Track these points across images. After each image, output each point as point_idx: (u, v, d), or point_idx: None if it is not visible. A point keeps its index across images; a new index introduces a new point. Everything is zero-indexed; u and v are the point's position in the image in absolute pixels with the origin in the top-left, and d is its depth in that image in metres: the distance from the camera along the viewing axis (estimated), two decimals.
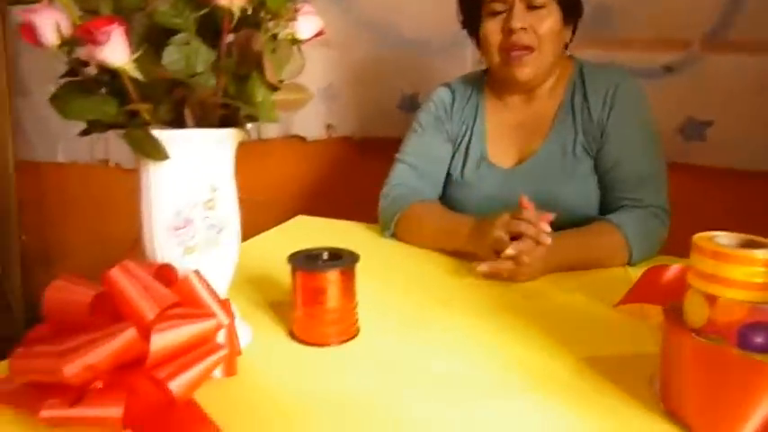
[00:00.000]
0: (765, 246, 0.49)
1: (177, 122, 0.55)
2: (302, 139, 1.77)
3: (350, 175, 1.76)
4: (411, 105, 1.66)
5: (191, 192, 0.56)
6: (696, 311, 0.50)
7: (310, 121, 1.76)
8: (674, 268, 0.75)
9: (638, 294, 0.76)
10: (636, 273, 0.83)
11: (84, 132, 0.56)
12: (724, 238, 0.51)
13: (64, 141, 2.08)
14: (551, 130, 1.05)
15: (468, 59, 1.58)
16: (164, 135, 0.53)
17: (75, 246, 2.17)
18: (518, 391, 0.57)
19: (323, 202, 1.77)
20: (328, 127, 1.77)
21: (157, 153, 0.53)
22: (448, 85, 1.17)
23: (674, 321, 0.53)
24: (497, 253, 0.84)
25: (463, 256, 0.93)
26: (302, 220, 1.21)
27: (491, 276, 0.85)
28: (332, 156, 1.80)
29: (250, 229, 1.05)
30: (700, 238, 0.51)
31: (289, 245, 0.68)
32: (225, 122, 0.57)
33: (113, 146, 2.02)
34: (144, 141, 0.52)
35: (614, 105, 1.00)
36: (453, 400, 0.55)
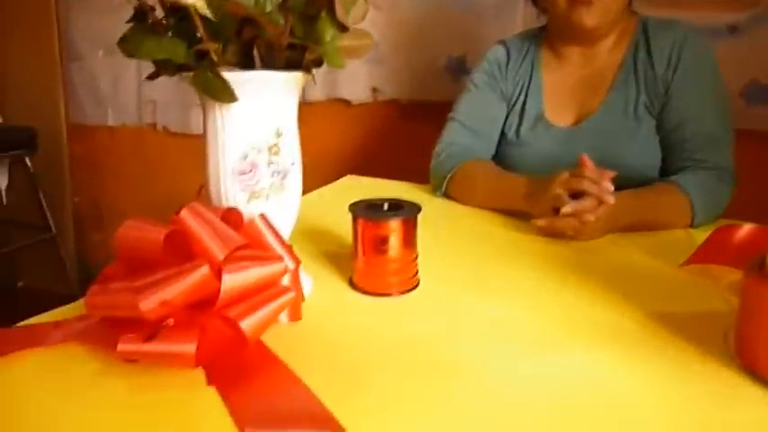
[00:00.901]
0: None
1: (244, 65, 0.55)
2: (347, 102, 1.76)
3: (396, 139, 1.75)
4: (458, 68, 1.63)
5: (256, 136, 0.56)
6: None
7: (355, 84, 1.75)
8: (745, 228, 0.72)
9: (706, 254, 0.73)
10: (699, 235, 0.80)
11: (152, 76, 0.56)
12: None
13: (113, 105, 2.12)
14: (612, 89, 1.01)
15: (517, 20, 1.54)
16: (231, 77, 0.53)
17: (125, 207, 2.22)
18: (585, 344, 0.56)
19: (369, 166, 1.76)
20: (374, 90, 1.75)
21: (225, 95, 0.53)
22: (503, 42, 1.14)
23: (756, 273, 0.50)
24: (556, 211, 0.82)
25: (519, 214, 0.92)
26: (352, 180, 1.20)
27: (549, 233, 0.83)
28: (377, 119, 1.78)
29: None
30: None
31: (341, 201, 0.67)
32: (291, 66, 0.56)
33: (161, 110, 2.06)
34: (212, 83, 0.52)
35: (680, 62, 0.96)
36: (517, 349, 0.54)
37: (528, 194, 0.90)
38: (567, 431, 0.43)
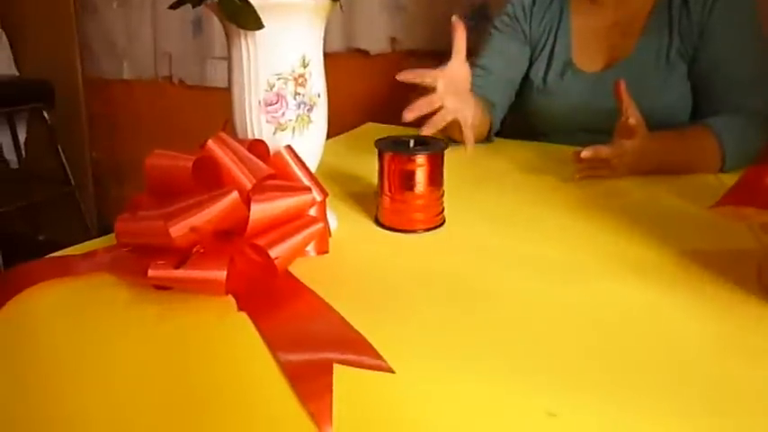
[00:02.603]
0: None
1: None
2: (365, 53, 1.73)
3: (416, 90, 1.72)
4: (480, 17, 1.58)
5: (282, 65, 0.55)
6: None
7: (373, 34, 1.71)
8: None
9: (737, 195, 0.71)
10: (729, 179, 0.78)
11: (176, 4, 0.55)
12: None
13: (129, 58, 2.11)
14: (644, 33, 0.98)
15: None
16: (257, 3, 0.51)
17: (143, 161, 2.23)
18: (615, 275, 0.55)
19: (388, 116, 1.74)
20: (392, 40, 1.72)
21: (251, 21, 0.51)
22: None
23: None
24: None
25: (543, 156, 0.90)
26: (372, 127, 1.19)
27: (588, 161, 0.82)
28: (396, 70, 1.75)
29: None
30: None
31: (362, 146, 0.67)
32: None
33: (177, 62, 2.04)
34: (239, 10, 0.51)
35: (716, 5, 0.92)
36: (547, 280, 0.54)
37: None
38: (599, 356, 0.43)
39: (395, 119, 1.31)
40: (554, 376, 0.40)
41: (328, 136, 1.08)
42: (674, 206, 0.75)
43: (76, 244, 0.61)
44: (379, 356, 0.40)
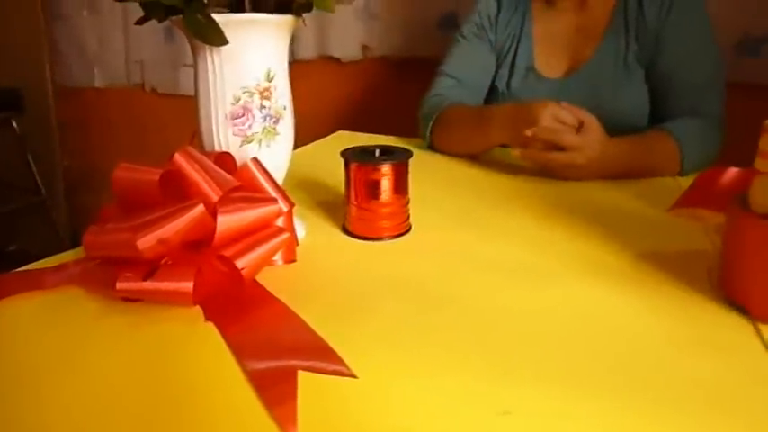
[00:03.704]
0: None
1: (235, 8, 0.54)
2: (338, 60, 1.75)
3: (387, 96, 1.74)
4: (450, 24, 1.61)
5: (248, 79, 0.56)
6: (764, 197, 0.49)
7: (346, 42, 1.73)
8: (730, 171, 0.73)
9: (692, 198, 0.74)
10: (687, 182, 0.82)
11: (142, 20, 0.56)
12: None
13: (100, 65, 2.09)
14: (603, 38, 1.01)
15: None
16: (221, 19, 0.53)
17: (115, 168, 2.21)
18: (576, 277, 0.57)
19: (360, 123, 1.76)
20: (364, 47, 1.74)
21: (216, 37, 0.53)
22: None
23: (739, 209, 0.52)
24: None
25: (508, 161, 0.92)
26: (342, 135, 1.20)
27: (535, 164, 0.84)
28: (369, 77, 1.77)
29: None
30: None
31: (332, 154, 0.68)
32: (280, 11, 0.56)
33: (148, 70, 2.03)
34: (202, 25, 0.52)
35: (671, 11, 0.96)
36: (509, 283, 0.56)
37: (506, 124, 0.89)
38: (559, 357, 0.45)
39: (366, 126, 1.33)
40: (512, 375, 0.42)
41: (299, 144, 1.10)
42: (634, 209, 0.78)
43: (48, 254, 0.61)
44: (341, 362, 0.42)
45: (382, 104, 1.76)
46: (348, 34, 1.72)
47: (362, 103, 1.80)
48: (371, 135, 1.18)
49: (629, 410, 0.39)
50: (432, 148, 1.06)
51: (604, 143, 0.84)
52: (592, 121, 0.83)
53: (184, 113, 2.13)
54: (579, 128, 0.83)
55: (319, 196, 0.78)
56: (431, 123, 1.03)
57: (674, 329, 0.49)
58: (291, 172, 0.68)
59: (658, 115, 0.98)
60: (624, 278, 0.58)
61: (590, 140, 0.82)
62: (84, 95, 2.17)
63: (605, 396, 0.40)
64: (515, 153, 0.85)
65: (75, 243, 0.61)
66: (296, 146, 1.07)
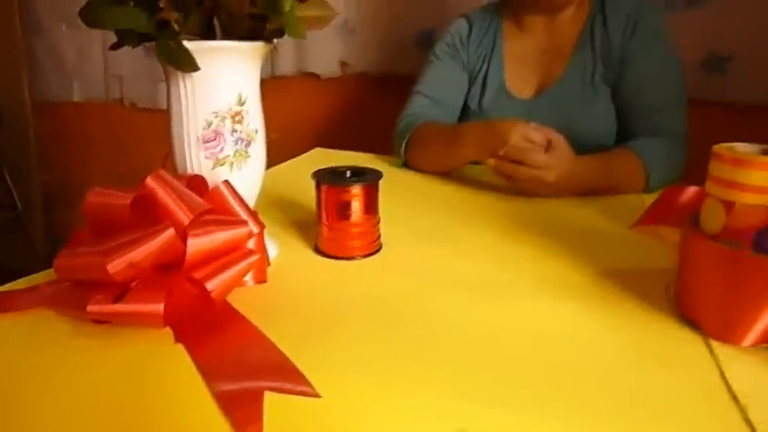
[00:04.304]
0: None
1: (206, 34, 0.56)
2: (317, 76, 1.77)
3: (366, 113, 1.77)
4: (428, 41, 1.64)
5: (219, 104, 0.57)
6: (713, 218, 0.52)
7: (324, 58, 1.75)
8: (689, 190, 0.76)
9: (653, 216, 0.77)
10: (650, 199, 0.84)
11: (115, 46, 0.57)
12: (743, 146, 0.52)
13: (79, 80, 2.09)
14: (571, 60, 1.04)
15: None
16: (193, 46, 0.54)
17: (94, 184, 2.19)
18: (542, 295, 0.59)
19: (339, 139, 1.78)
20: (343, 64, 1.76)
21: (187, 64, 0.54)
22: (465, 16, 1.16)
23: (691, 229, 0.54)
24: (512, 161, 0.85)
25: (479, 178, 0.95)
26: (320, 152, 1.22)
27: (505, 177, 0.86)
28: (347, 93, 1.79)
29: (267, 164, 1.06)
30: (719, 147, 0.52)
31: (308, 173, 0.69)
32: (252, 36, 0.58)
33: (127, 85, 2.03)
34: (174, 52, 0.53)
35: (634, 32, 0.99)
36: (475, 301, 0.58)
37: (476, 142, 0.91)
38: (519, 374, 0.46)
39: (345, 141, 1.35)
40: (473, 392, 0.43)
41: (277, 160, 1.11)
42: (599, 226, 0.80)
43: (25, 268, 0.62)
44: (306, 382, 0.43)
45: (361, 120, 1.78)
46: (327, 51, 1.74)
47: (341, 119, 1.82)
48: (348, 152, 1.20)
49: (584, 425, 0.40)
50: (406, 165, 1.08)
51: (572, 161, 0.86)
52: (560, 141, 0.85)
53: (163, 128, 2.12)
54: (548, 147, 0.85)
55: (293, 215, 0.80)
56: (405, 141, 1.05)
57: (632, 346, 0.51)
58: (267, 190, 0.69)
59: (624, 133, 1.01)
60: (586, 295, 0.60)
61: (558, 159, 0.84)
62: (63, 109, 2.17)
63: (563, 411, 0.42)
64: (490, 162, 0.87)
65: (52, 258, 0.61)
66: (273, 162, 1.09)
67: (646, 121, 0.98)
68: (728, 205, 0.50)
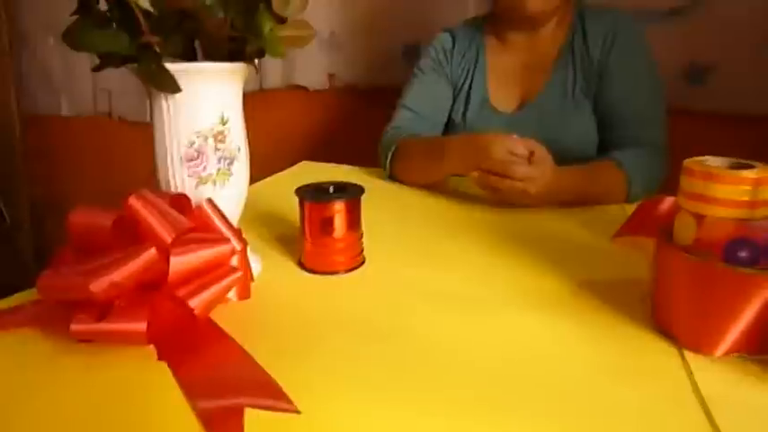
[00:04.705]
0: (752, 166, 0.51)
1: (187, 56, 0.57)
2: (304, 88, 1.78)
3: (353, 125, 1.78)
4: (414, 53, 1.66)
5: (202, 123, 0.58)
6: (685, 231, 0.53)
7: (312, 71, 1.77)
8: (667, 201, 0.77)
9: (633, 227, 0.78)
10: (632, 209, 0.86)
11: (98, 68, 0.58)
12: (713, 160, 0.54)
13: (67, 94, 2.09)
14: (552, 73, 1.06)
15: (469, 6, 1.57)
16: (175, 68, 0.55)
17: (83, 197, 2.20)
18: (521, 308, 0.60)
19: (326, 151, 1.79)
20: (330, 76, 1.77)
21: (169, 85, 0.55)
22: (449, 29, 1.18)
23: (664, 242, 0.56)
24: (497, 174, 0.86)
25: (461, 191, 0.96)
26: (307, 165, 1.23)
27: (487, 189, 0.87)
28: (335, 105, 1.81)
29: (254, 178, 1.07)
30: (690, 161, 0.53)
31: (294, 186, 0.70)
32: (234, 57, 0.59)
33: (116, 99, 2.03)
34: (156, 74, 0.54)
35: (614, 47, 1.01)
36: (457, 315, 0.58)
37: (459, 155, 0.93)
38: (497, 387, 0.47)
39: (333, 153, 1.36)
40: (452, 406, 0.44)
41: (265, 173, 1.12)
42: (580, 238, 0.81)
43: (13, 282, 0.62)
44: (286, 399, 0.44)
45: (349, 132, 1.79)
46: (314, 63, 1.76)
47: (329, 131, 1.83)
48: (335, 165, 1.21)
49: None
50: (392, 177, 1.09)
51: (554, 172, 0.88)
52: (542, 152, 0.86)
53: (152, 142, 2.13)
54: (530, 158, 0.86)
55: (279, 230, 0.81)
56: (390, 154, 1.06)
57: (607, 358, 0.52)
58: (253, 204, 0.70)
59: (605, 145, 1.03)
60: (565, 307, 0.61)
61: (541, 171, 0.86)
62: (51, 123, 2.17)
63: (542, 425, 0.42)
64: (474, 175, 0.88)
65: (40, 272, 0.62)
66: (263, 176, 1.10)
67: (626, 133, 1.00)
68: (699, 218, 0.52)
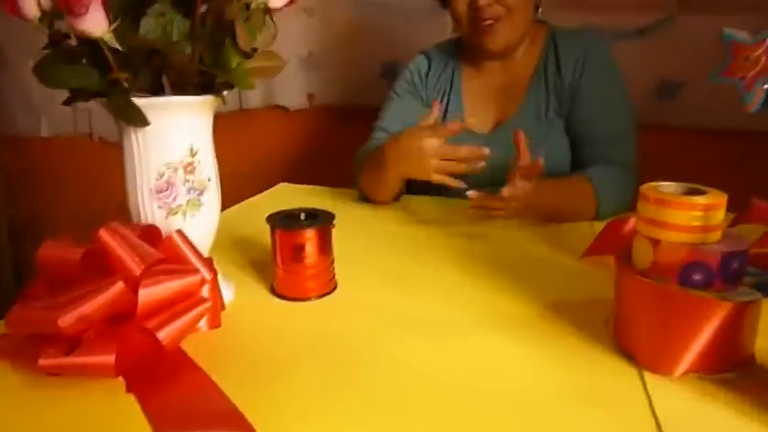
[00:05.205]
0: (704, 192, 0.53)
1: (156, 89, 0.58)
2: (284, 108, 1.79)
3: (333, 144, 1.79)
4: (393, 73, 1.68)
5: (171, 156, 0.59)
6: (642, 255, 0.55)
7: (291, 91, 1.78)
8: (632, 221, 0.79)
9: (599, 246, 0.80)
10: (600, 227, 0.88)
11: (68, 101, 0.59)
12: (668, 186, 0.56)
13: (47, 115, 2.08)
14: (525, 96, 1.08)
15: (448, 26, 1.60)
16: (143, 102, 0.56)
17: (63, 218, 2.19)
18: (488, 333, 0.61)
19: (306, 171, 1.80)
20: (310, 96, 1.79)
21: (138, 119, 0.56)
22: (425, 52, 1.20)
23: (623, 265, 0.57)
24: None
25: (432, 213, 0.97)
26: (284, 188, 1.24)
27: (479, 205, 0.88)
28: (314, 125, 1.82)
29: (234, 198, 1.08)
30: (646, 187, 0.55)
31: (271, 210, 0.71)
32: (203, 89, 0.60)
33: (96, 119, 2.03)
34: (125, 109, 0.55)
35: (585, 69, 1.04)
36: (425, 339, 0.60)
37: (396, 158, 0.95)
38: (471, 410, 0.48)
39: (313, 174, 1.37)
40: (422, 429, 0.45)
41: (249, 195, 1.13)
42: (550, 257, 0.83)
43: None
44: (250, 429, 0.45)
45: (328, 151, 1.80)
46: (294, 83, 1.77)
47: (309, 151, 1.85)
48: (312, 187, 1.22)
49: None
50: (364, 197, 1.10)
51: (533, 188, 0.88)
52: (533, 167, 0.87)
53: (122, 173, 2.13)
54: (514, 174, 0.87)
55: (253, 255, 0.81)
56: (358, 173, 1.08)
57: (572, 380, 0.53)
58: (229, 229, 0.71)
59: (577, 163, 1.05)
60: (532, 330, 0.62)
61: (521, 188, 0.86)
62: (30, 145, 2.16)
63: None
64: (471, 193, 0.89)
65: (20, 294, 0.61)
66: (242, 195, 1.11)
67: (597, 151, 1.02)
68: (655, 243, 0.53)
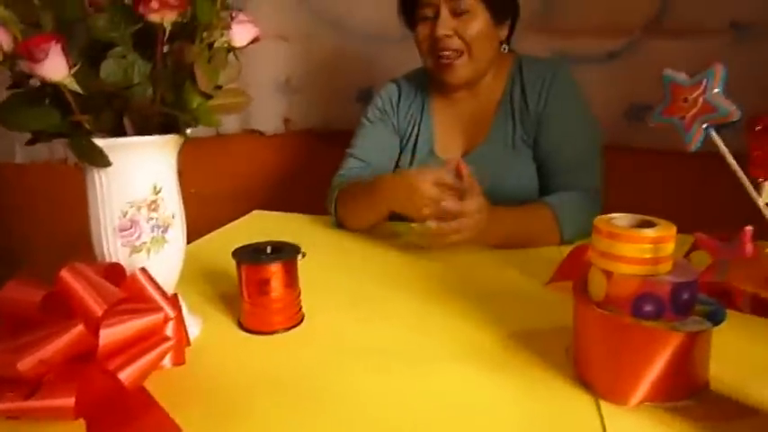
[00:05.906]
0: (655, 225, 0.55)
1: (118, 130, 0.58)
2: (261, 133, 1.80)
3: (309, 169, 1.80)
4: (368, 98, 1.69)
5: (134, 194, 0.60)
6: (596, 286, 0.56)
7: (268, 116, 1.79)
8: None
9: (564, 273, 0.82)
10: (568, 251, 0.89)
11: (31, 142, 0.59)
12: (621, 219, 0.57)
13: (21, 141, 2.06)
14: (492, 124, 1.10)
15: None
16: (105, 143, 0.57)
17: (39, 244, 2.17)
18: (452, 361, 0.62)
19: (283, 195, 1.81)
20: (286, 121, 1.80)
21: (100, 160, 0.56)
22: (395, 80, 1.22)
23: (580, 296, 0.59)
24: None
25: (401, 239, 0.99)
26: (258, 215, 1.25)
27: (436, 234, 0.89)
28: (291, 149, 1.83)
29: (210, 224, 1.09)
30: (599, 220, 0.57)
31: (242, 240, 0.72)
32: (166, 127, 0.61)
33: None
34: (87, 150, 0.56)
35: (549, 96, 1.06)
36: (393, 369, 0.61)
37: (391, 195, 0.96)
38: None
39: (290, 199, 1.38)
40: None
41: (226, 220, 1.13)
42: (515, 284, 0.84)
43: None
44: None
45: (305, 175, 1.81)
46: (270, 108, 1.78)
47: (286, 175, 1.86)
48: (286, 214, 1.23)
49: None
50: (339, 224, 1.11)
51: (487, 210, 0.89)
52: (474, 188, 0.88)
53: (87, 212, 2.11)
54: (463, 195, 0.88)
55: (222, 287, 0.82)
56: (334, 201, 1.09)
57: (530, 409, 0.54)
58: (199, 260, 0.71)
59: (544, 190, 1.07)
60: (493, 359, 0.63)
61: (474, 206, 0.87)
62: (5, 171, 2.14)
63: None
64: (417, 230, 0.90)
65: None
66: (219, 220, 1.11)
67: (562, 178, 1.04)
68: (608, 275, 0.55)
